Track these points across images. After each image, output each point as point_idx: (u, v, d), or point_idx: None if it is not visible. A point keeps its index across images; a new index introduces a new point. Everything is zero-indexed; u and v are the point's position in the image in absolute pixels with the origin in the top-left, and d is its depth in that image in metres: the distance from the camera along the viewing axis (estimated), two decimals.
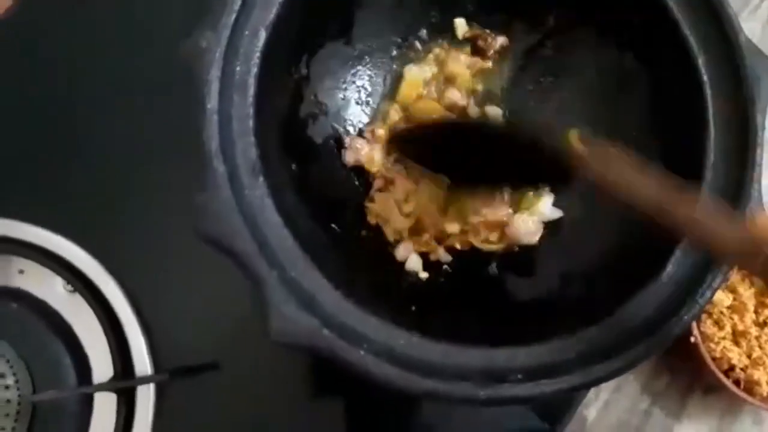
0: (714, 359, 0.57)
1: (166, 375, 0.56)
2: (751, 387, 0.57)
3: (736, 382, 0.57)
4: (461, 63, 0.56)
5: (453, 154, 0.48)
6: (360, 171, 0.55)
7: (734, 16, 0.44)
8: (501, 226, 0.53)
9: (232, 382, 0.57)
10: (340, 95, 0.55)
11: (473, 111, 0.56)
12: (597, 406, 0.62)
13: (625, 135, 0.50)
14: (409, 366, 0.37)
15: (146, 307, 0.58)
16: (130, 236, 0.59)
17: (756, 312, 0.59)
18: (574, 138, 0.53)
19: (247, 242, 0.37)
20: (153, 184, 0.60)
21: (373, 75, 0.57)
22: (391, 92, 0.57)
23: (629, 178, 0.36)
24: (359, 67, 0.56)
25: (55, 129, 0.63)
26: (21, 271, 0.59)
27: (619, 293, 0.42)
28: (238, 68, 0.40)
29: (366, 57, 0.56)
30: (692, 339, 0.57)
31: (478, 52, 0.57)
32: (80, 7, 0.66)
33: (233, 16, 0.40)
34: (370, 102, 0.57)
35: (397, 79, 0.57)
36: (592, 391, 0.61)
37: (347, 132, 0.55)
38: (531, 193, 0.53)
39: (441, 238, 0.54)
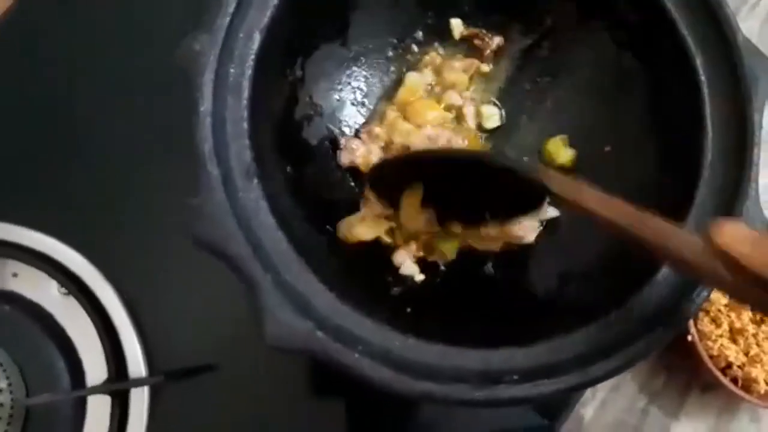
0: (711, 357, 0.57)
1: (161, 377, 0.55)
2: (748, 385, 0.57)
3: (734, 380, 0.57)
4: (457, 70, 0.56)
5: (433, 187, 0.49)
6: (355, 172, 0.54)
7: (732, 15, 0.44)
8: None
9: (227, 385, 0.57)
10: (336, 96, 0.55)
11: (471, 112, 0.56)
12: (594, 405, 0.62)
13: (623, 134, 0.50)
14: (405, 368, 0.37)
15: (140, 310, 0.57)
16: (123, 239, 0.59)
17: (753, 310, 0.59)
18: (558, 145, 0.54)
19: (241, 245, 0.37)
20: (147, 185, 0.60)
21: (368, 76, 0.56)
22: (389, 93, 0.57)
23: (599, 207, 0.38)
24: (355, 69, 0.55)
25: (51, 130, 0.63)
26: (15, 274, 0.58)
27: (616, 292, 0.42)
28: (232, 70, 0.40)
29: (362, 58, 0.55)
30: (689, 337, 0.57)
31: (474, 52, 0.57)
32: (80, 7, 0.66)
33: (228, 19, 0.40)
34: (366, 103, 0.56)
35: (396, 81, 0.57)
36: (590, 390, 0.61)
37: (343, 133, 0.55)
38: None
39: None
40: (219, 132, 0.38)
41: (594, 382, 0.39)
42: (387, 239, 0.53)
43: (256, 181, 0.39)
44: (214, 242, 0.37)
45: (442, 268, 0.53)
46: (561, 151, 0.54)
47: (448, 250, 0.53)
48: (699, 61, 0.44)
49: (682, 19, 0.44)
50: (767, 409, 0.61)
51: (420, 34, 0.57)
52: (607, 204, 0.38)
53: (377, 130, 0.54)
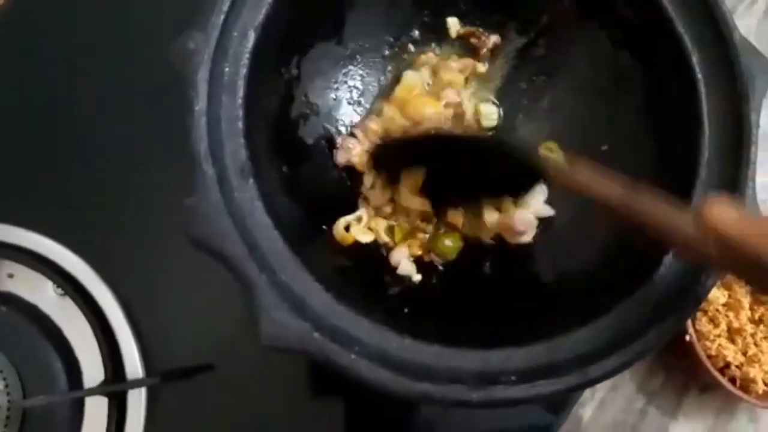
0: (709, 357, 0.57)
1: (158, 378, 0.55)
2: (746, 385, 0.57)
3: (732, 380, 0.57)
4: (453, 70, 0.56)
5: (433, 167, 0.50)
6: (352, 171, 0.54)
7: (728, 14, 0.43)
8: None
9: (225, 385, 0.56)
10: (332, 95, 0.55)
11: (468, 109, 0.56)
12: (593, 405, 0.62)
13: (620, 133, 0.50)
14: (402, 369, 0.37)
15: (137, 310, 0.57)
16: (120, 239, 0.59)
17: (751, 309, 0.59)
18: (550, 149, 0.54)
19: (237, 245, 0.37)
20: (144, 186, 0.60)
21: (365, 75, 0.56)
22: (385, 92, 0.57)
23: (595, 182, 0.39)
24: (351, 67, 0.55)
25: (50, 131, 0.62)
26: (11, 275, 0.58)
27: (614, 292, 0.42)
28: (227, 69, 0.40)
29: (358, 57, 0.55)
30: (687, 337, 0.57)
31: (470, 51, 0.57)
32: (80, 7, 0.65)
33: (222, 17, 0.40)
34: (362, 102, 0.56)
35: (392, 80, 0.57)
36: (588, 390, 0.61)
37: (339, 132, 0.55)
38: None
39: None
40: (214, 131, 0.38)
41: (592, 382, 0.38)
42: (385, 238, 0.52)
43: (251, 180, 0.39)
44: (209, 242, 0.37)
45: (440, 268, 0.53)
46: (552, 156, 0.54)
47: (449, 250, 0.53)
48: (695, 60, 0.44)
49: (679, 17, 0.44)
50: (765, 409, 0.61)
51: (416, 33, 0.57)
52: (603, 183, 0.38)
53: (373, 125, 0.54)
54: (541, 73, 0.56)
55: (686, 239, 0.34)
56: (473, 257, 0.53)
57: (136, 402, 0.55)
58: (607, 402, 0.62)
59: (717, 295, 0.59)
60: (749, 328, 0.58)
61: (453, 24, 0.56)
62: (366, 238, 0.51)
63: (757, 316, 0.59)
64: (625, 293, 0.41)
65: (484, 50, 0.56)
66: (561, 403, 0.57)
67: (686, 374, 0.62)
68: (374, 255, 0.52)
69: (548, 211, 0.54)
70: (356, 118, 0.56)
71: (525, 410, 0.56)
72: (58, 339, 0.56)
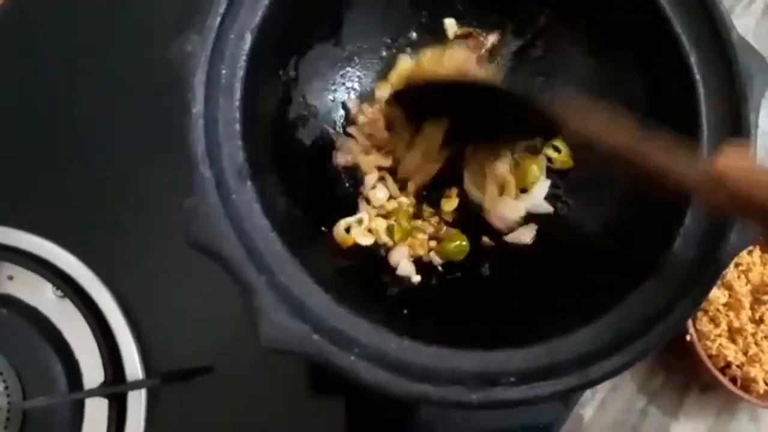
0: (710, 357, 0.57)
1: (158, 379, 0.55)
2: (747, 384, 0.57)
3: (733, 380, 0.57)
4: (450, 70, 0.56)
5: (453, 110, 0.51)
6: (351, 172, 0.54)
7: (726, 13, 0.43)
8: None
9: (225, 386, 0.56)
10: (330, 97, 0.55)
11: None
12: (593, 406, 0.61)
13: None
14: (402, 370, 0.37)
15: (137, 312, 0.57)
16: (119, 241, 0.59)
17: (752, 309, 0.59)
18: (556, 147, 0.55)
19: (235, 247, 0.37)
20: (143, 186, 0.60)
21: (362, 76, 0.56)
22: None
23: (606, 128, 0.39)
24: (348, 69, 0.55)
25: (51, 131, 0.62)
26: (10, 278, 0.58)
27: (613, 293, 0.41)
28: (224, 71, 0.40)
29: (355, 58, 0.55)
30: (688, 337, 0.57)
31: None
32: (80, 7, 0.65)
33: (218, 19, 0.40)
34: None
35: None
36: (589, 390, 0.61)
37: (337, 133, 0.55)
38: (534, 166, 0.54)
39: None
40: (211, 133, 0.38)
41: (592, 383, 0.38)
42: (385, 238, 0.52)
43: (249, 182, 0.39)
44: (208, 244, 0.37)
45: (440, 269, 0.53)
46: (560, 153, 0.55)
47: (457, 251, 0.53)
48: (694, 60, 0.44)
49: (677, 17, 0.44)
50: (766, 409, 0.61)
51: (414, 34, 0.57)
52: (616, 129, 0.39)
53: (370, 109, 0.55)
54: (539, 74, 0.56)
55: (697, 185, 0.35)
56: (473, 258, 0.53)
57: (136, 403, 0.55)
58: (608, 402, 0.62)
59: (717, 294, 0.59)
60: (750, 327, 0.58)
61: (450, 25, 0.56)
62: (366, 240, 0.51)
63: (757, 316, 0.59)
64: (625, 293, 0.41)
65: (482, 51, 0.56)
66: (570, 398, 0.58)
67: (687, 374, 0.62)
68: (373, 256, 0.52)
69: (547, 208, 0.54)
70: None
71: (525, 410, 0.56)
72: (57, 341, 0.56)
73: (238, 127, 0.40)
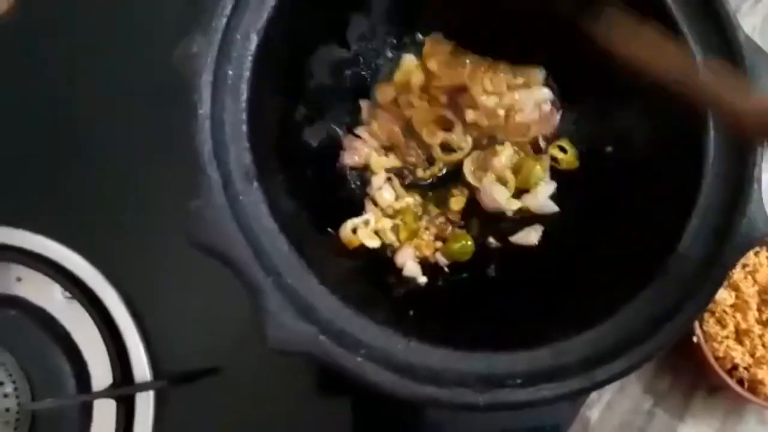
0: (717, 359, 0.57)
1: (166, 381, 0.55)
2: (755, 386, 0.57)
3: (740, 382, 0.57)
4: None
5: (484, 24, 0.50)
6: (357, 173, 0.54)
7: (733, 13, 0.43)
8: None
9: (233, 387, 0.57)
10: (336, 98, 0.55)
11: None
12: (600, 407, 0.61)
13: (624, 134, 0.50)
14: (408, 372, 0.37)
15: (145, 314, 0.57)
16: (128, 242, 0.59)
17: (759, 310, 0.59)
18: (563, 147, 0.54)
19: (242, 249, 0.37)
20: (151, 188, 0.60)
21: (368, 76, 0.56)
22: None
23: (657, 50, 0.38)
24: (354, 69, 0.55)
25: (51, 131, 0.62)
26: (19, 279, 0.58)
27: (620, 294, 0.41)
28: (230, 72, 0.40)
29: (360, 58, 0.55)
30: (695, 338, 0.56)
31: None
32: (80, 7, 0.65)
33: (224, 20, 0.40)
34: None
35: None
36: (595, 392, 0.61)
37: (344, 134, 0.55)
38: (538, 167, 0.53)
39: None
40: (218, 135, 0.38)
41: (598, 385, 0.38)
42: (391, 237, 0.52)
43: (256, 183, 0.39)
44: (215, 246, 0.37)
45: (446, 270, 0.53)
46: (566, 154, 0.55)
47: (462, 251, 0.53)
48: (700, 59, 0.44)
49: (683, 17, 0.44)
50: None
51: (419, 35, 0.56)
52: (665, 50, 0.38)
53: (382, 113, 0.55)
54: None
55: (747, 117, 0.34)
56: (479, 259, 0.53)
57: (144, 405, 0.55)
58: (614, 404, 0.61)
59: (724, 296, 0.58)
60: (757, 329, 0.58)
61: None
62: (373, 243, 0.52)
63: (764, 318, 0.59)
64: (631, 294, 0.41)
65: None
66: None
67: (694, 376, 0.62)
68: (380, 257, 0.52)
69: (553, 208, 0.53)
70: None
71: (532, 411, 0.56)
72: (66, 342, 0.57)
73: (244, 128, 0.40)
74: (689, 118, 0.43)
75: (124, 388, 0.55)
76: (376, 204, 0.54)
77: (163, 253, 0.59)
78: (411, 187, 0.55)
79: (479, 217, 0.54)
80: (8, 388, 0.54)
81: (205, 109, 0.38)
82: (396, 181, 0.54)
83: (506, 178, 0.53)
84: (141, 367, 0.56)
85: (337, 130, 0.55)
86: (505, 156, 0.54)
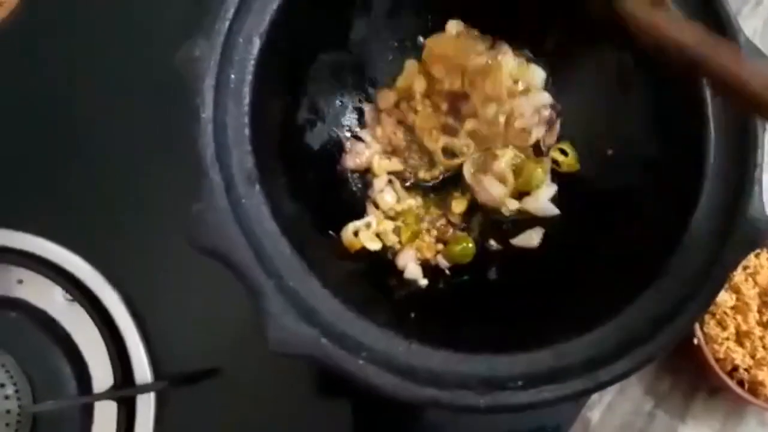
0: (717, 360, 0.57)
1: (167, 383, 0.55)
2: (755, 388, 0.57)
3: (740, 383, 0.57)
4: None
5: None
6: (360, 176, 0.54)
7: (733, 16, 0.43)
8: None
9: (234, 389, 0.57)
10: (338, 101, 0.55)
11: None
12: (600, 409, 0.61)
13: (625, 137, 0.50)
14: (410, 374, 0.37)
15: (145, 315, 0.57)
16: (128, 244, 0.59)
17: (760, 312, 0.59)
18: (563, 150, 0.54)
19: (244, 252, 0.37)
20: (151, 188, 0.60)
21: (370, 79, 0.56)
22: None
23: (674, 25, 0.38)
24: (356, 72, 0.55)
25: (51, 131, 0.62)
26: (20, 281, 0.58)
27: (621, 295, 0.41)
28: (232, 76, 0.40)
29: (363, 62, 0.55)
30: (695, 340, 0.57)
31: None
32: (80, 7, 0.65)
33: (226, 23, 0.40)
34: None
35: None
36: (596, 393, 0.61)
37: (346, 137, 0.55)
38: (539, 169, 0.54)
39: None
40: (220, 138, 0.38)
41: (600, 387, 0.38)
42: (393, 238, 0.52)
43: (258, 187, 0.39)
44: (217, 249, 0.37)
45: (447, 272, 0.53)
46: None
47: (463, 253, 0.53)
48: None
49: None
50: None
51: (421, 39, 0.56)
52: (682, 25, 0.38)
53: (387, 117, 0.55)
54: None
55: (762, 95, 0.34)
56: (480, 261, 0.53)
57: (145, 406, 0.55)
58: (615, 405, 0.62)
59: (725, 298, 0.58)
60: (758, 331, 0.58)
61: (455, 25, 0.56)
62: (374, 245, 0.52)
63: (765, 319, 0.59)
64: (632, 296, 0.41)
65: None
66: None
67: (694, 377, 0.62)
68: (381, 260, 0.52)
69: (553, 210, 0.54)
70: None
71: (533, 413, 0.56)
72: (67, 344, 0.57)
73: (247, 131, 0.40)
74: (690, 117, 0.43)
75: (124, 389, 0.55)
76: (377, 206, 0.54)
77: (163, 253, 0.59)
78: (412, 188, 0.56)
79: (480, 219, 0.55)
80: (9, 390, 0.54)
81: (207, 112, 0.38)
82: (397, 183, 0.54)
83: (507, 179, 0.54)
84: (142, 368, 0.56)
85: (339, 133, 0.55)
86: (505, 160, 0.54)
